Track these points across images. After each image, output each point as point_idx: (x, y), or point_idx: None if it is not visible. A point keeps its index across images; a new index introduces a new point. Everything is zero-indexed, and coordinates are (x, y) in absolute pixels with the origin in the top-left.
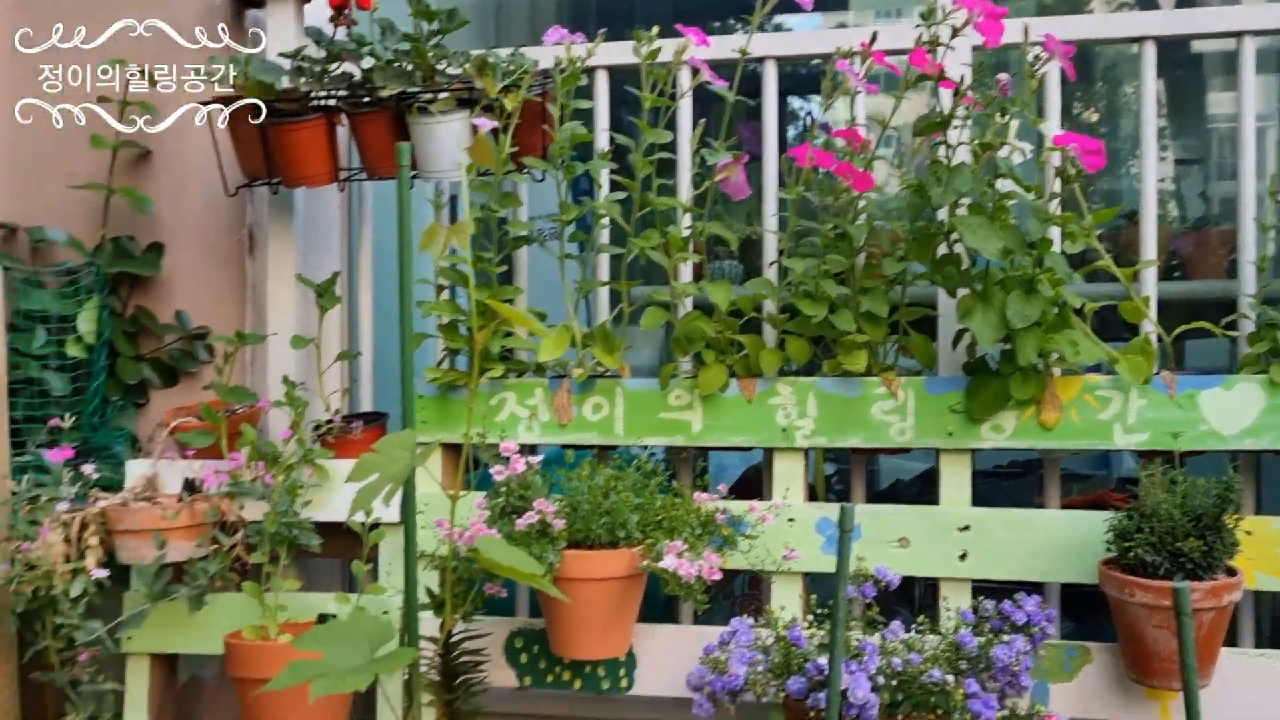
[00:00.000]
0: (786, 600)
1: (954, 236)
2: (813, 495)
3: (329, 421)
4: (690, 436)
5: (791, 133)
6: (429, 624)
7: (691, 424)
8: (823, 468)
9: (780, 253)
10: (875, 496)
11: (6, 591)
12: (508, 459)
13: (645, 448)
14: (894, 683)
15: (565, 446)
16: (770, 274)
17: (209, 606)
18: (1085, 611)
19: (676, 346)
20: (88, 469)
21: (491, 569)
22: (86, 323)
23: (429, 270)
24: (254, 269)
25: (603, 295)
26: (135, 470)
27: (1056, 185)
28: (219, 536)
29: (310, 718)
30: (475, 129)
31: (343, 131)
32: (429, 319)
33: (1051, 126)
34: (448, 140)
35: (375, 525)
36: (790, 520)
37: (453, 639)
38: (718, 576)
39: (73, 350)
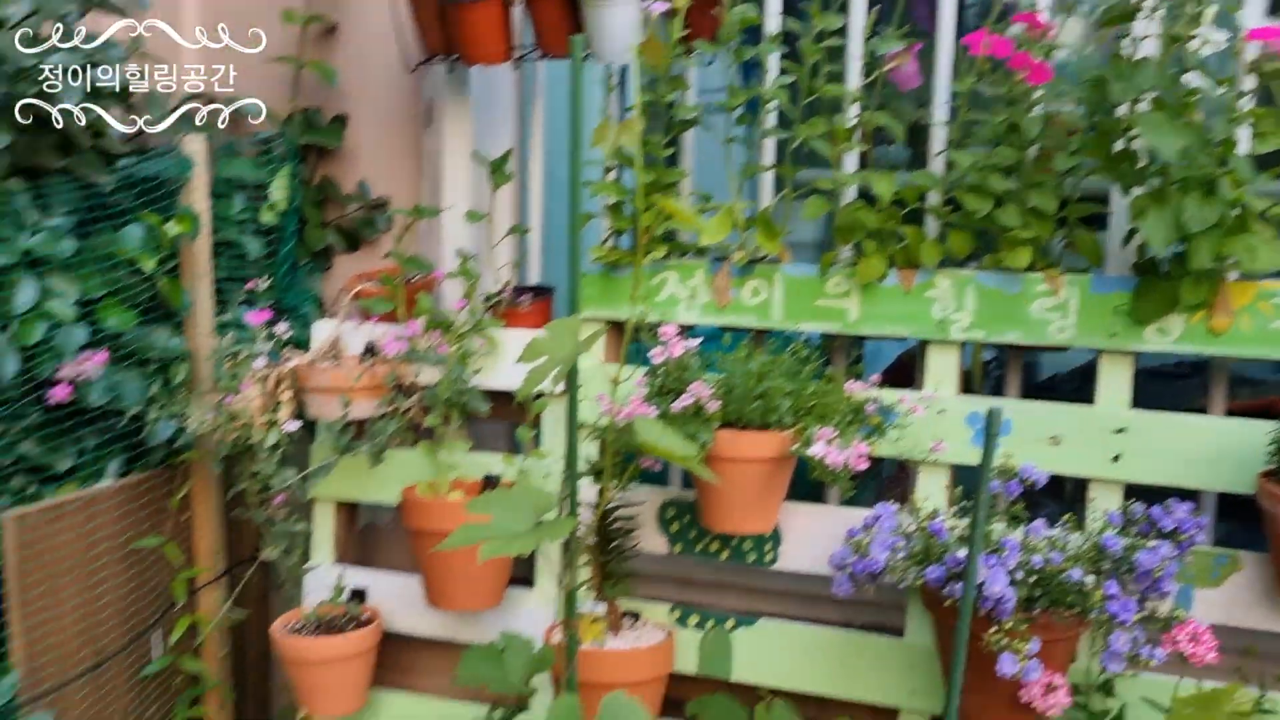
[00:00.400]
0: (931, 491)
1: (1133, 132)
2: (968, 381)
3: (499, 293)
4: (846, 325)
5: None
6: (587, 490)
7: (848, 312)
8: (980, 355)
9: (949, 143)
10: (1032, 389)
11: (213, 438)
12: (666, 342)
13: (801, 332)
14: (1032, 579)
15: (722, 329)
16: (936, 164)
17: (387, 462)
18: (1245, 518)
19: (837, 235)
20: (281, 328)
21: (647, 450)
22: (278, 190)
23: (598, 150)
24: (430, 143)
25: (766, 179)
26: (321, 331)
27: (1250, 80)
28: (397, 398)
29: (476, 569)
30: (648, 12)
31: (518, 11)
32: (596, 198)
33: (1251, 15)
34: (620, 22)
35: (539, 395)
36: (940, 411)
37: (609, 506)
38: (864, 466)
39: (266, 216)
